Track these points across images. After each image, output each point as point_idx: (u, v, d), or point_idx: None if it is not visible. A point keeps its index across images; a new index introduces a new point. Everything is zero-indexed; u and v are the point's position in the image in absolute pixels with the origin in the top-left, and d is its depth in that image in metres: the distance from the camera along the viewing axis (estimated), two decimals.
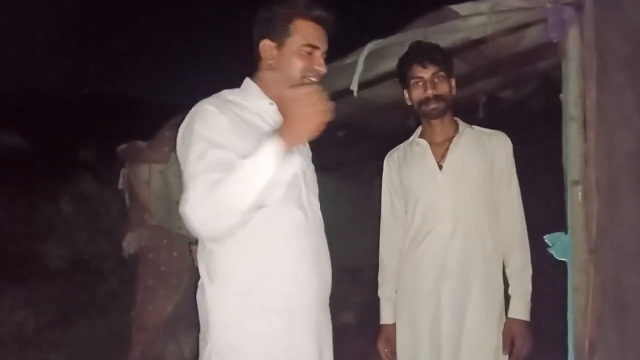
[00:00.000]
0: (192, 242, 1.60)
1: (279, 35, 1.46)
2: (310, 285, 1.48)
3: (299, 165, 1.36)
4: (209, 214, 1.31)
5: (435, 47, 1.95)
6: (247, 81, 1.54)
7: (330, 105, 1.30)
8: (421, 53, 1.92)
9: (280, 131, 1.31)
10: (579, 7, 1.66)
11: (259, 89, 1.51)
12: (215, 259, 1.43)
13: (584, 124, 1.67)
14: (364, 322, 2.18)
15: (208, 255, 1.45)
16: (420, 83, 1.92)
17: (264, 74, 1.51)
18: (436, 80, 1.91)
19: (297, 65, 1.46)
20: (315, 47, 1.47)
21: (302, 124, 1.29)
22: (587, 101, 1.66)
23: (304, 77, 1.47)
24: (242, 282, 1.42)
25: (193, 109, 1.44)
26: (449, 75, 1.95)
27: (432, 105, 1.92)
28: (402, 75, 2.00)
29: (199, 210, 1.30)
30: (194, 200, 1.31)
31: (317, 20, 1.47)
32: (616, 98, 1.61)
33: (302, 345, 1.46)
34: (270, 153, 1.28)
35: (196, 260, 1.53)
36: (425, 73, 1.91)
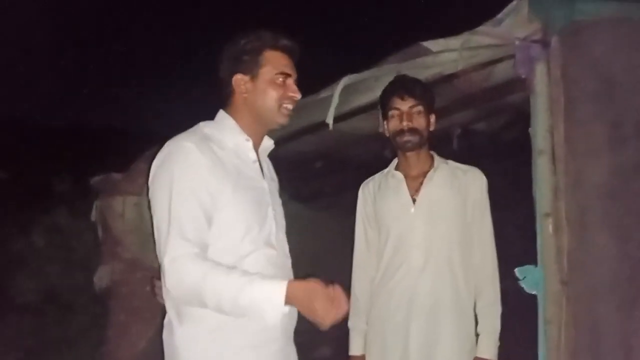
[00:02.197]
0: (154, 277, 1.56)
1: (251, 69, 1.48)
2: (280, 321, 1.46)
3: (283, 316, 1.33)
4: (183, 289, 1.33)
5: (417, 82, 1.97)
6: (222, 114, 1.54)
7: (346, 309, 1.31)
8: (402, 86, 1.95)
9: (289, 290, 1.29)
10: (545, 44, 1.72)
11: (234, 122, 1.51)
12: None
13: (553, 158, 1.70)
14: (342, 355, 2.16)
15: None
16: (397, 114, 1.95)
17: (239, 107, 1.51)
18: (413, 113, 1.93)
19: (273, 95, 1.48)
20: (288, 75, 1.50)
21: (314, 312, 1.29)
22: (555, 135, 1.70)
23: (280, 105, 1.49)
24: (213, 322, 1.39)
25: (170, 146, 1.42)
26: (428, 110, 1.96)
27: (406, 138, 1.94)
28: (382, 106, 2.03)
29: (177, 279, 1.32)
30: (177, 268, 1.31)
31: (285, 50, 1.51)
32: (584, 131, 1.65)
33: None
34: (271, 304, 1.29)
35: (159, 296, 1.50)
36: (403, 105, 1.93)
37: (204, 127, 1.49)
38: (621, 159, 1.55)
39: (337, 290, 1.30)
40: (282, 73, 1.49)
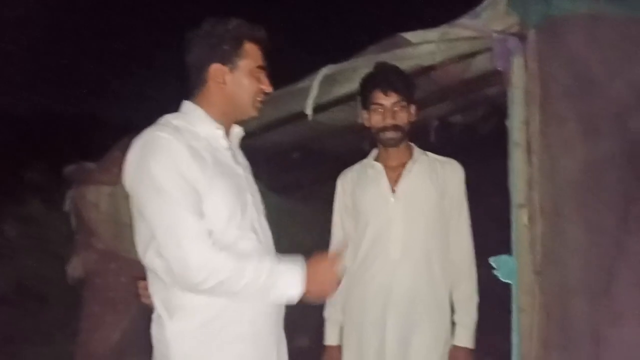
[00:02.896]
0: (138, 277, 1.53)
1: (231, 60, 1.46)
2: (270, 310, 1.47)
3: (294, 299, 1.42)
4: (214, 278, 1.33)
5: (399, 74, 1.96)
6: (189, 105, 1.50)
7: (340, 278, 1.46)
8: (385, 79, 1.92)
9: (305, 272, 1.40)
10: (522, 38, 1.74)
11: (204, 112, 1.48)
12: (175, 292, 1.38)
13: (529, 150, 1.73)
14: (319, 344, 2.17)
15: (165, 288, 1.39)
16: (380, 109, 1.94)
17: (211, 97, 1.48)
18: (396, 109, 1.92)
19: (250, 88, 1.48)
20: (264, 68, 1.50)
21: (317, 287, 1.41)
22: (531, 128, 1.72)
23: (255, 99, 1.49)
24: (205, 315, 1.38)
25: (144, 139, 1.38)
26: (410, 102, 1.96)
27: (389, 135, 1.95)
28: (363, 96, 2.01)
29: (204, 266, 1.32)
30: (200, 255, 1.32)
31: (261, 42, 1.50)
32: (559, 125, 1.67)
33: None
34: (292, 281, 1.39)
35: (144, 297, 1.48)
36: (387, 101, 1.92)
37: (171, 119, 1.45)
38: (595, 152, 1.58)
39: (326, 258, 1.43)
40: (259, 66, 1.48)
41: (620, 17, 1.59)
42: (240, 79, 1.47)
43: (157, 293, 1.42)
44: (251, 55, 1.47)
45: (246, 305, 1.42)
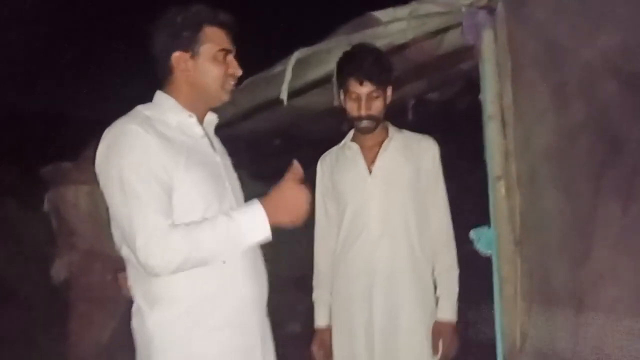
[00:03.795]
0: (118, 269, 1.53)
1: (191, 46, 1.44)
2: (253, 296, 1.48)
3: (268, 235, 1.40)
4: (177, 260, 1.31)
5: (376, 60, 1.91)
6: (161, 94, 1.49)
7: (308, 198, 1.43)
8: (360, 68, 1.89)
9: (264, 203, 1.39)
10: (491, 11, 1.74)
11: (175, 101, 1.47)
12: (154, 283, 1.38)
13: (503, 122, 1.74)
14: (310, 330, 2.18)
15: (144, 280, 1.39)
16: (355, 98, 1.93)
17: (179, 86, 1.48)
18: (371, 98, 1.92)
19: (215, 72, 1.46)
20: (229, 51, 1.48)
21: (287, 212, 1.40)
22: (504, 100, 1.74)
23: (223, 82, 1.47)
24: (186, 303, 1.38)
25: (113, 131, 1.38)
26: (386, 87, 1.95)
27: (364, 124, 1.96)
28: (338, 81, 2.00)
29: (166, 254, 1.30)
30: (157, 244, 1.30)
31: (224, 25, 1.48)
32: (530, 95, 1.69)
33: (250, 357, 1.46)
34: (254, 222, 1.36)
35: (125, 288, 1.47)
36: (362, 90, 1.91)
37: (143, 109, 1.45)
38: (566, 120, 1.59)
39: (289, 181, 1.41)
40: (223, 49, 1.46)
41: None
42: (203, 64, 1.45)
43: (136, 284, 1.42)
44: (213, 39, 1.45)
45: (226, 293, 1.42)
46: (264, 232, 1.37)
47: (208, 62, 1.45)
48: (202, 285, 1.39)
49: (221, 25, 1.47)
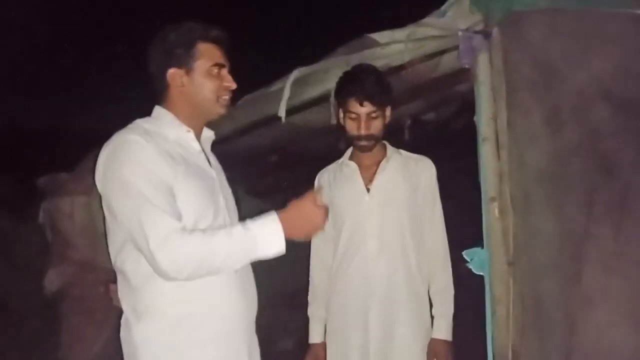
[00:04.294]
0: (110, 281, 1.54)
1: (185, 62, 1.48)
2: (240, 310, 1.48)
3: (282, 250, 1.41)
4: (192, 264, 1.32)
5: (376, 81, 1.93)
6: (159, 109, 1.53)
7: (326, 217, 1.46)
8: (361, 88, 1.90)
9: (281, 216, 1.40)
10: (487, 35, 1.78)
11: (173, 116, 1.50)
12: (142, 294, 1.39)
13: (497, 144, 1.77)
14: (303, 347, 2.18)
15: (133, 291, 1.40)
16: (354, 117, 1.95)
17: (176, 101, 1.51)
18: (371, 118, 1.94)
19: (209, 86, 1.49)
20: (222, 66, 1.51)
21: (303, 228, 1.43)
22: (498, 122, 1.76)
23: (218, 96, 1.50)
24: (173, 316, 1.39)
25: (114, 142, 1.40)
26: (386, 107, 1.97)
27: (363, 143, 1.98)
28: (338, 100, 2.02)
29: (180, 256, 1.31)
30: (172, 244, 1.31)
31: (216, 41, 1.51)
32: (524, 118, 1.72)
33: None
34: (270, 236, 1.37)
35: (115, 300, 1.48)
36: (362, 110, 1.93)
37: (142, 123, 1.48)
38: (559, 143, 1.62)
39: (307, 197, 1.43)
40: (216, 64, 1.49)
41: (580, 10, 1.64)
42: (197, 79, 1.48)
43: (125, 296, 1.43)
44: (205, 55, 1.48)
45: (214, 308, 1.42)
46: (279, 246, 1.38)
47: (202, 77, 1.48)
48: (189, 300, 1.39)
49: (214, 40, 1.51)
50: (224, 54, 1.52)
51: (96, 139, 1.47)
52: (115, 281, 1.49)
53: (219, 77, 1.50)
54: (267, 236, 1.36)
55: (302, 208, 1.41)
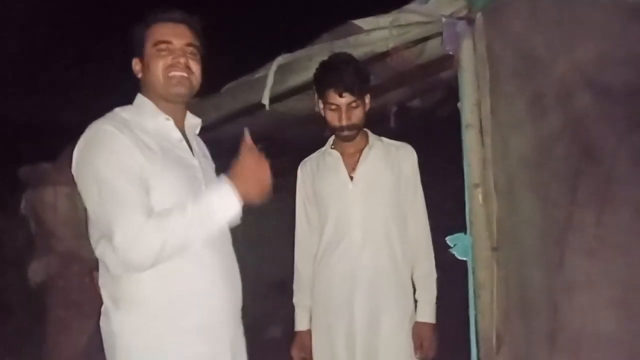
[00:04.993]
0: (93, 269, 1.53)
1: (140, 50, 1.49)
2: (224, 300, 1.47)
3: (239, 210, 1.39)
4: (154, 253, 1.31)
5: (354, 70, 1.91)
6: (140, 97, 1.52)
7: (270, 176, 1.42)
8: (339, 79, 1.89)
9: (230, 177, 1.39)
10: (470, 21, 1.77)
11: (152, 104, 1.50)
12: (122, 284, 1.38)
13: (481, 130, 1.77)
14: (291, 334, 2.19)
15: (113, 280, 1.39)
16: (334, 107, 1.94)
17: (145, 90, 1.52)
18: (352, 108, 1.93)
19: (156, 66, 1.47)
20: (167, 42, 1.47)
21: (253, 183, 1.39)
22: (482, 109, 1.77)
23: (167, 74, 1.46)
24: (154, 306, 1.38)
25: (89, 132, 1.39)
26: (365, 96, 1.96)
27: (345, 133, 1.98)
28: (317, 91, 2.01)
29: (142, 248, 1.30)
30: (135, 239, 1.30)
31: (164, 20, 1.49)
32: (508, 104, 1.72)
33: None
34: (223, 199, 1.36)
35: (98, 288, 1.47)
36: (341, 101, 1.92)
37: (121, 112, 1.47)
38: (542, 130, 1.63)
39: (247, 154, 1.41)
40: (159, 42, 1.46)
41: None
42: (147, 62, 1.48)
43: (105, 285, 1.43)
44: (150, 37, 1.48)
45: (194, 298, 1.41)
46: (234, 207, 1.37)
47: (149, 59, 1.47)
48: (168, 289, 1.39)
49: (160, 20, 1.49)
50: (176, 31, 1.48)
51: (79, 128, 1.45)
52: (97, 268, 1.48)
53: (167, 55, 1.46)
54: (221, 200, 1.36)
55: (245, 164, 1.39)
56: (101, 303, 1.47)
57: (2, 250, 4.19)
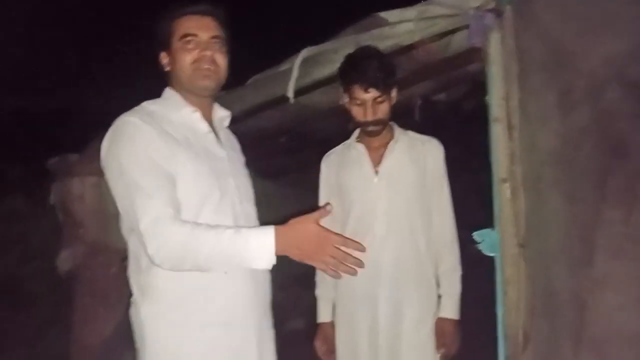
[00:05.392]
0: (123, 258, 1.56)
1: (167, 43, 1.49)
2: (249, 293, 1.48)
3: (270, 264, 1.31)
4: (172, 254, 1.30)
5: (379, 65, 1.89)
6: (168, 90, 1.54)
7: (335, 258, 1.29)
8: (364, 75, 1.87)
9: (278, 232, 1.28)
10: (499, 13, 1.74)
11: (180, 97, 1.51)
12: (148, 274, 1.40)
13: (509, 125, 1.74)
14: (313, 326, 2.20)
15: (140, 270, 1.42)
16: (359, 102, 1.93)
17: (173, 83, 1.53)
18: (377, 103, 1.92)
19: (184, 60, 1.47)
20: (194, 35, 1.47)
21: (299, 251, 1.28)
22: (510, 103, 1.74)
23: (195, 68, 1.47)
24: (177, 297, 1.40)
25: (115, 125, 1.41)
26: (391, 90, 1.95)
27: (370, 128, 1.97)
28: (343, 86, 2.00)
29: (162, 243, 1.29)
30: (157, 229, 1.29)
31: (190, 12, 1.49)
32: (536, 99, 1.69)
33: (243, 356, 1.46)
34: (261, 248, 1.27)
35: (128, 277, 1.50)
36: (367, 96, 1.91)
37: (148, 105, 1.49)
38: (571, 125, 1.60)
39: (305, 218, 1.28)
40: (186, 35, 1.47)
41: None
42: (175, 56, 1.49)
43: (133, 275, 1.45)
44: (177, 30, 1.48)
45: (220, 290, 1.42)
46: (267, 262, 1.29)
47: (177, 53, 1.48)
48: (194, 279, 1.39)
49: (188, 13, 1.49)
50: (202, 24, 1.48)
51: (106, 120, 1.48)
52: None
53: (194, 48, 1.47)
54: (258, 249, 1.27)
55: (301, 230, 1.28)
56: (127, 292, 1.50)
57: (31, 239, 4.30)
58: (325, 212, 1.31)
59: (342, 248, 1.28)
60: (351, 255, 1.29)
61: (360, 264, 1.30)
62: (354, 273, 1.30)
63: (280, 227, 1.29)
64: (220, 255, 1.28)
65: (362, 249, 1.33)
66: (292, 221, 1.29)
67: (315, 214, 1.30)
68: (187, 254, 1.29)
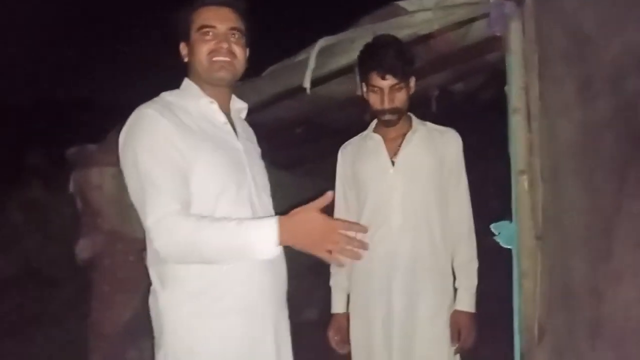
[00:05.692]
0: (143, 248, 1.58)
1: (186, 34, 1.50)
2: (265, 283, 1.48)
3: (276, 253, 1.32)
4: (178, 248, 1.32)
5: (397, 53, 1.88)
6: (186, 81, 1.55)
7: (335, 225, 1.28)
8: (382, 62, 1.86)
9: (281, 223, 1.28)
10: (519, 2, 1.72)
11: (198, 88, 1.52)
12: (167, 264, 1.41)
13: (528, 115, 1.72)
14: (327, 316, 2.20)
15: (159, 260, 1.42)
16: (377, 89, 1.92)
17: (192, 74, 1.53)
18: (394, 91, 1.90)
19: (201, 51, 1.47)
20: (211, 27, 1.47)
21: (303, 240, 1.28)
22: (530, 93, 1.72)
23: (210, 59, 1.47)
24: (196, 285, 1.41)
25: (132, 116, 1.42)
26: (409, 78, 1.93)
27: (387, 117, 1.95)
28: (360, 74, 1.99)
29: (168, 239, 1.31)
30: (162, 224, 1.31)
31: (213, 4, 1.49)
32: (556, 88, 1.67)
33: (260, 345, 1.47)
34: (265, 238, 1.28)
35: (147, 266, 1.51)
36: (384, 84, 1.89)
37: (166, 95, 1.50)
38: (592, 115, 1.57)
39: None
40: (203, 26, 1.47)
41: None
42: (193, 47, 1.49)
43: (152, 264, 1.46)
44: (196, 21, 1.49)
45: (237, 279, 1.42)
46: (271, 252, 1.30)
47: (195, 44, 1.48)
48: (213, 269, 1.40)
49: (207, 4, 1.49)
50: (221, 15, 1.48)
51: (125, 111, 1.49)
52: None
53: (211, 40, 1.47)
54: (261, 240, 1.28)
55: (304, 220, 1.27)
56: (144, 281, 1.51)
57: (51, 227, 4.37)
58: (326, 199, 1.30)
59: (347, 233, 1.28)
60: (355, 239, 1.29)
61: (365, 246, 1.30)
62: (359, 257, 1.30)
63: (282, 217, 1.30)
64: (224, 248, 1.30)
65: (364, 230, 1.34)
66: (294, 211, 1.30)
67: (316, 202, 1.29)
68: (192, 249, 1.31)
